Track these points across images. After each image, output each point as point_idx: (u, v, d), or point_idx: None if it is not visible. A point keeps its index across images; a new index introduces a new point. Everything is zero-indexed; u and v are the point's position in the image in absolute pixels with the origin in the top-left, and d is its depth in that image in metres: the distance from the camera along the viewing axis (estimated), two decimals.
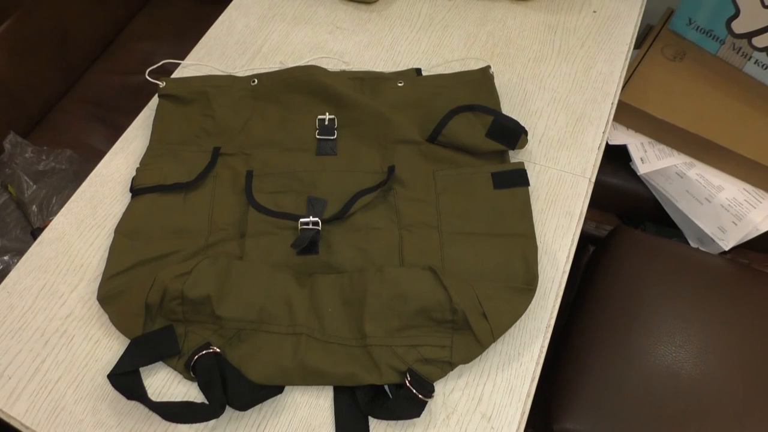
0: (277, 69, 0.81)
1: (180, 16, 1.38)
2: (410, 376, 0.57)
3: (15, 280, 0.68)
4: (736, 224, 1.00)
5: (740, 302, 0.90)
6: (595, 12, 0.92)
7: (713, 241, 1.04)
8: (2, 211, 1.08)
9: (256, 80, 0.79)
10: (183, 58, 0.87)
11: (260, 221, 0.67)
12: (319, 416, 0.59)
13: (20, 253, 0.98)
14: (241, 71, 0.85)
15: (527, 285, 0.63)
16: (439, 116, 0.73)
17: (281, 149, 0.74)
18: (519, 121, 0.75)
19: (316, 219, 0.66)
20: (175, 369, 0.60)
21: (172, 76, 0.85)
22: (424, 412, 0.58)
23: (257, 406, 0.59)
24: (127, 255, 0.66)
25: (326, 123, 0.75)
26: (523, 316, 0.64)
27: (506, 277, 0.64)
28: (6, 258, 1.02)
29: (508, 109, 0.80)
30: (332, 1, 0.94)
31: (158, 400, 0.60)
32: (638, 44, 1.12)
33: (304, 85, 0.77)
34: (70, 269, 0.68)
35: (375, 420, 0.58)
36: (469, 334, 0.59)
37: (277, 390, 0.59)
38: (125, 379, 0.59)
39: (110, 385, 0.59)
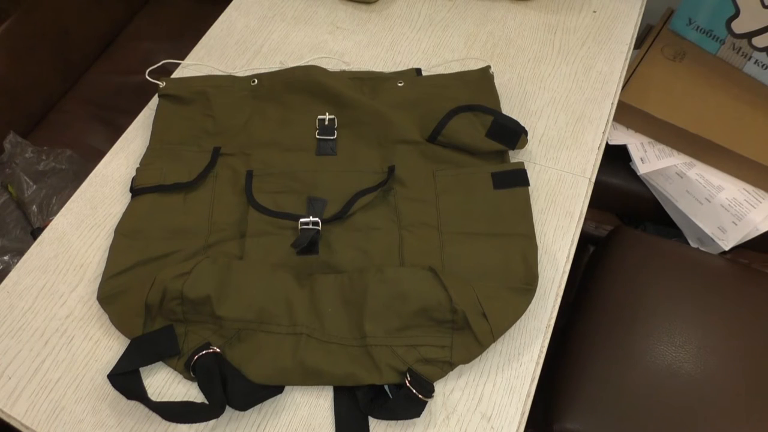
0: (277, 69, 0.81)
1: (180, 16, 1.38)
2: (410, 376, 0.57)
3: (15, 280, 0.68)
4: (736, 224, 1.00)
5: (740, 302, 0.90)
6: (595, 12, 0.92)
7: (713, 241, 1.04)
8: (2, 211, 1.08)
9: (256, 80, 0.79)
10: (183, 58, 0.87)
11: (260, 221, 0.67)
12: (319, 416, 0.59)
13: (20, 253, 0.98)
14: (241, 71, 0.85)
15: (527, 285, 0.63)
16: (439, 116, 0.73)
17: (281, 149, 0.74)
18: (519, 121, 0.75)
19: (316, 219, 0.66)
20: (175, 369, 0.60)
21: (172, 76, 0.85)
22: (424, 412, 0.58)
23: (257, 406, 0.59)
24: (127, 255, 0.66)
25: (326, 123, 0.75)
26: (523, 316, 0.64)
27: (506, 277, 0.64)
28: (6, 258, 1.02)
29: (508, 109, 0.80)
30: (332, 1, 0.94)
31: (158, 400, 0.60)
32: (638, 44, 1.12)
33: (304, 85, 0.77)
34: (70, 269, 0.68)
35: (375, 420, 0.58)
36: (469, 334, 0.59)
37: (277, 390, 0.59)
38: (125, 379, 0.59)
39: (110, 385, 0.59)
